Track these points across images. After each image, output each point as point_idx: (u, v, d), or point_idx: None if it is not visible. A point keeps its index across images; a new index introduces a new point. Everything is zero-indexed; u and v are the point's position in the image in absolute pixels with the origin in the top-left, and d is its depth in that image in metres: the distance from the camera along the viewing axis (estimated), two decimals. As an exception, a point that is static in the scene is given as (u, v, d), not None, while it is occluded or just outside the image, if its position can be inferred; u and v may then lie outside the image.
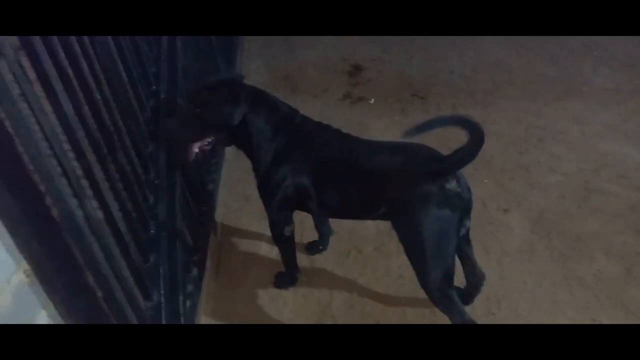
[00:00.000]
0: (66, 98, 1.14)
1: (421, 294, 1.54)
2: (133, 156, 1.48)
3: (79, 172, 1.15)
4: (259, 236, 2.08)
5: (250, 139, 1.55)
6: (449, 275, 1.48)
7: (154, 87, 1.76)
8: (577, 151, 2.30)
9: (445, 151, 1.44)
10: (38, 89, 1.03)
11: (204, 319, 1.78)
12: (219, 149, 1.95)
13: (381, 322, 1.75)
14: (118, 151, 1.37)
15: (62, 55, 1.14)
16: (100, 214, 1.20)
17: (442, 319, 1.56)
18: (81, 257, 1.12)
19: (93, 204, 1.18)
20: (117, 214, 1.30)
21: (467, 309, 1.55)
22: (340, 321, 1.77)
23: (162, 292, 1.46)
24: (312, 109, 1.64)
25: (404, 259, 1.53)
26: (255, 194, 1.72)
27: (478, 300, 1.72)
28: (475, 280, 1.69)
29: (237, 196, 2.26)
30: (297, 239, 1.82)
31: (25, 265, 0.98)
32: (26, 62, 1.00)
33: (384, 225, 1.56)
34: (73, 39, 1.22)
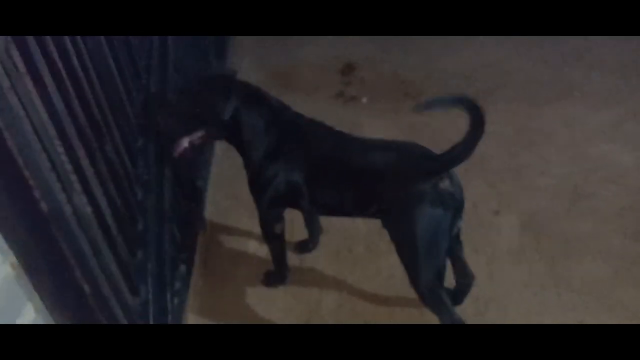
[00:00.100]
0: (56, 91, 1.15)
1: (411, 294, 1.57)
2: (122, 151, 1.49)
3: (68, 166, 1.16)
4: (248, 234, 2.09)
5: (241, 135, 1.56)
6: (439, 275, 1.51)
7: (144, 81, 1.77)
8: (568, 154, 2.34)
9: (437, 151, 1.46)
10: (28, 81, 1.03)
11: (191, 317, 1.79)
12: (210, 143, 1.96)
13: (370, 322, 1.78)
14: (107, 145, 1.38)
15: (52, 47, 1.15)
16: (88, 209, 1.21)
17: (431, 318, 1.58)
18: (69, 251, 1.13)
19: (82, 199, 1.20)
20: (106, 209, 1.31)
21: (456, 309, 1.58)
22: (330, 321, 1.80)
23: (150, 289, 1.47)
24: (304, 107, 1.66)
25: (394, 258, 1.55)
26: (244, 191, 1.73)
27: (467, 301, 1.75)
28: (465, 281, 1.72)
29: (226, 194, 2.27)
30: (287, 237, 1.84)
31: (12, 257, 0.99)
32: (16, 54, 1.01)
33: (375, 225, 1.58)
34: (64, 31, 1.23)
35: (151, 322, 1.45)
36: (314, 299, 1.87)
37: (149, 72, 1.79)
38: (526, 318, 1.73)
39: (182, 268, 1.74)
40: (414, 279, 1.52)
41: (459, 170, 1.45)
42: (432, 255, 1.47)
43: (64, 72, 1.20)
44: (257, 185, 1.63)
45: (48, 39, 1.15)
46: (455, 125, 1.37)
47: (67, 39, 1.25)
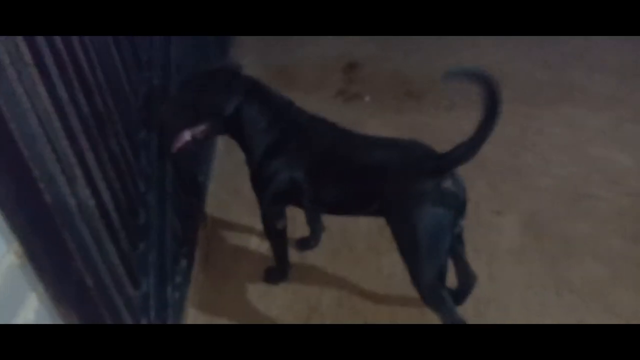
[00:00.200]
0: (61, 83, 1.15)
1: (412, 293, 1.58)
2: (125, 143, 1.49)
3: (73, 158, 1.17)
4: (249, 230, 2.10)
5: (243, 130, 1.57)
6: (441, 274, 1.52)
7: (147, 75, 1.77)
8: (568, 155, 2.36)
9: (438, 150, 1.47)
10: (35, 73, 1.04)
11: (191, 312, 1.80)
12: (212, 138, 1.96)
13: (370, 321, 1.78)
14: (110, 138, 1.39)
15: (58, 40, 1.16)
16: (92, 201, 1.22)
17: (432, 318, 1.59)
18: (72, 242, 1.14)
19: (85, 191, 1.20)
20: (108, 201, 1.32)
21: (457, 309, 1.59)
22: (330, 319, 1.81)
23: (151, 282, 1.48)
24: (305, 105, 1.66)
25: (395, 257, 1.56)
26: (246, 187, 1.74)
27: (467, 301, 1.76)
28: (466, 281, 1.73)
29: (227, 189, 2.28)
30: (288, 234, 1.85)
31: (16, 246, 1.00)
32: (23, 45, 1.02)
33: (376, 223, 1.59)
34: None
35: (152, 315, 1.45)
36: (314, 297, 1.88)
37: (152, 66, 1.80)
38: (526, 318, 1.74)
39: (183, 262, 1.75)
40: (416, 277, 1.52)
41: (460, 170, 1.45)
42: (433, 255, 1.48)
43: (69, 65, 1.21)
44: (259, 181, 1.64)
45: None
46: (457, 125, 1.38)
47: (73, 32, 1.26)
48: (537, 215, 2.11)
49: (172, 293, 1.59)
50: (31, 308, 1.07)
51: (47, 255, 1.08)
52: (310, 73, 3.02)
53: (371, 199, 1.50)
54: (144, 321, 1.44)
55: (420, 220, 1.42)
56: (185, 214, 1.85)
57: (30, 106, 1.00)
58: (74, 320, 1.16)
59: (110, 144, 1.38)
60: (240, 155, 1.70)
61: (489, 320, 1.75)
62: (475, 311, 1.76)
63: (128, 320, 1.34)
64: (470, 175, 1.49)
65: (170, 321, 1.58)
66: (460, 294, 1.75)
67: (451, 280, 1.67)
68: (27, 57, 1.02)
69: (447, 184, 1.41)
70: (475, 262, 1.82)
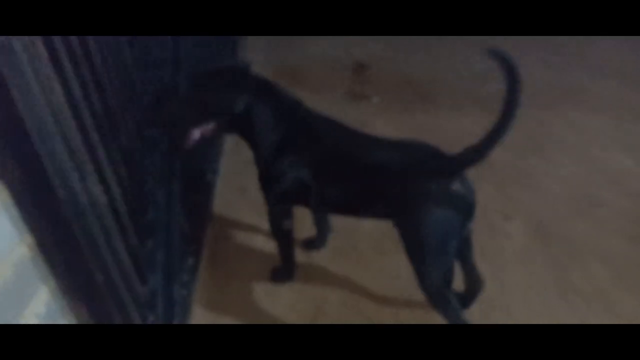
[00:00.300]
0: (75, 80, 1.18)
1: (417, 295, 1.59)
2: (135, 140, 1.52)
3: (85, 155, 1.19)
4: (255, 229, 2.12)
5: (252, 128, 1.58)
6: (448, 277, 1.53)
7: (157, 72, 1.80)
8: (574, 158, 2.38)
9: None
10: (50, 69, 1.07)
11: (197, 309, 1.82)
12: (221, 135, 1.98)
13: (375, 321, 1.80)
14: (121, 135, 1.42)
15: (73, 37, 1.19)
16: (103, 197, 1.25)
17: (436, 319, 1.60)
18: (82, 237, 1.16)
19: (96, 187, 1.23)
20: (118, 197, 1.34)
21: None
22: (335, 319, 1.82)
23: (159, 279, 1.50)
24: (313, 105, 1.68)
25: (401, 258, 1.57)
26: (253, 186, 1.76)
27: (474, 305, 1.77)
28: (473, 285, 1.74)
29: (234, 188, 2.31)
30: (294, 234, 1.86)
31: (29, 238, 1.03)
32: (40, 43, 1.05)
33: (382, 225, 1.60)
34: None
35: (159, 312, 1.48)
36: (319, 297, 1.90)
37: (162, 64, 1.83)
38: (531, 320, 1.76)
39: (190, 260, 1.78)
40: (422, 279, 1.53)
41: (468, 173, 1.47)
42: (440, 257, 1.49)
43: (83, 63, 1.24)
44: (267, 179, 1.65)
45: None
46: (465, 127, 1.40)
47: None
48: (545, 219, 2.12)
49: (179, 290, 1.62)
50: (42, 301, 1.10)
51: (59, 248, 1.11)
52: (319, 73, 3.04)
53: (379, 200, 1.51)
54: (151, 317, 1.47)
55: (428, 222, 1.43)
56: (192, 212, 1.87)
57: (46, 102, 1.03)
58: (83, 314, 1.19)
59: (121, 141, 1.41)
60: (247, 155, 1.72)
61: (493, 322, 1.76)
62: (480, 313, 1.78)
63: (135, 316, 1.36)
64: (477, 179, 1.50)
65: (176, 318, 1.61)
66: (468, 298, 1.76)
67: (458, 283, 1.69)
68: (44, 55, 1.05)
69: (456, 186, 1.42)
70: (482, 264, 1.83)
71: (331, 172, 1.55)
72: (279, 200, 1.67)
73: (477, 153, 1.35)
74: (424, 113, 2.71)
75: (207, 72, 1.61)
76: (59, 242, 1.11)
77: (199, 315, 1.83)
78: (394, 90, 2.88)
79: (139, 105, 1.61)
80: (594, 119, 2.59)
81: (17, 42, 0.95)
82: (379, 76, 3.00)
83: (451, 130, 2.42)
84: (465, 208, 1.45)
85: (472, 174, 1.46)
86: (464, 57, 3.02)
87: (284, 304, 1.88)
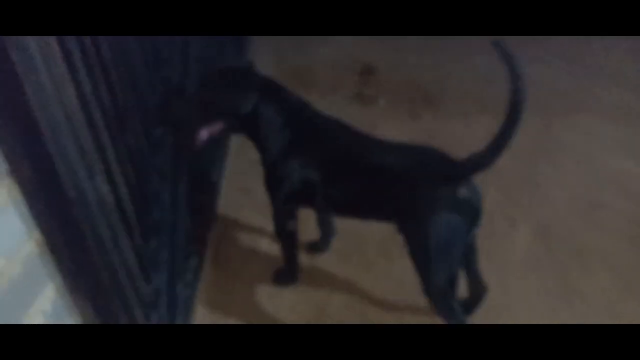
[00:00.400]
0: (87, 79, 1.21)
1: (420, 300, 1.61)
2: (142, 139, 1.55)
3: (94, 153, 1.22)
4: (259, 231, 2.15)
5: (259, 129, 1.60)
6: (452, 283, 1.54)
7: (165, 72, 1.83)
8: (584, 166, 2.39)
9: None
10: (63, 68, 1.09)
11: (200, 310, 1.85)
12: (228, 136, 2.01)
13: (378, 325, 1.82)
14: (129, 134, 1.44)
15: (86, 37, 1.22)
16: (110, 195, 1.28)
17: (439, 325, 1.63)
18: (89, 235, 1.18)
19: (104, 185, 1.26)
20: (125, 196, 1.37)
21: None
22: (337, 322, 1.84)
23: (162, 278, 1.53)
24: (320, 107, 1.70)
25: (406, 264, 1.59)
26: (257, 188, 1.79)
27: (478, 310, 1.79)
28: (477, 291, 1.76)
29: (239, 189, 2.33)
30: (299, 237, 1.89)
31: (37, 234, 1.06)
32: (54, 43, 1.07)
33: (388, 229, 1.63)
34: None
35: (162, 311, 1.50)
36: (322, 300, 1.92)
37: (170, 64, 1.86)
38: (536, 329, 1.78)
39: (194, 260, 1.80)
40: (426, 285, 1.55)
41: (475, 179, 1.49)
42: (445, 262, 1.50)
43: (95, 62, 1.26)
44: (273, 181, 1.67)
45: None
46: (472, 132, 1.41)
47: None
48: (550, 225, 2.14)
49: (182, 290, 1.64)
50: (48, 298, 1.13)
51: (66, 246, 1.13)
52: (326, 75, 3.06)
53: (385, 203, 1.53)
54: (154, 316, 1.49)
55: (434, 227, 1.45)
56: (197, 212, 1.90)
57: (59, 102, 1.05)
58: (88, 312, 1.21)
59: (129, 140, 1.44)
60: (252, 156, 1.74)
61: (498, 329, 1.78)
62: (484, 319, 1.79)
63: (139, 315, 1.39)
64: (484, 184, 1.52)
65: (179, 318, 1.63)
66: (471, 304, 1.77)
67: (461, 289, 1.71)
68: (58, 55, 1.07)
69: (463, 191, 1.43)
70: (488, 271, 1.85)
71: (338, 173, 1.57)
72: (285, 202, 1.70)
73: (484, 158, 1.37)
74: (431, 117, 2.73)
75: (214, 73, 1.64)
76: (67, 240, 1.13)
77: (202, 316, 1.85)
78: (401, 94, 2.90)
79: (147, 105, 1.64)
80: (601, 124, 2.60)
81: (33, 42, 0.98)
82: (386, 79, 3.02)
83: (459, 134, 2.44)
84: (472, 213, 1.47)
85: (478, 179, 1.47)
86: (472, 61, 3.03)
87: (287, 306, 1.91)
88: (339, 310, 1.89)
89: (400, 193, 1.48)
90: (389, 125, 2.63)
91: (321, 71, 3.10)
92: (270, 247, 2.08)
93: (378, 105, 2.84)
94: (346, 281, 1.97)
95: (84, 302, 1.19)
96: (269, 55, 3.22)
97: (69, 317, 1.19)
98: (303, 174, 1.59)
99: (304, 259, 2.01)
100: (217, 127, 1.62)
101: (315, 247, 2.06)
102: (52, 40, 1.06)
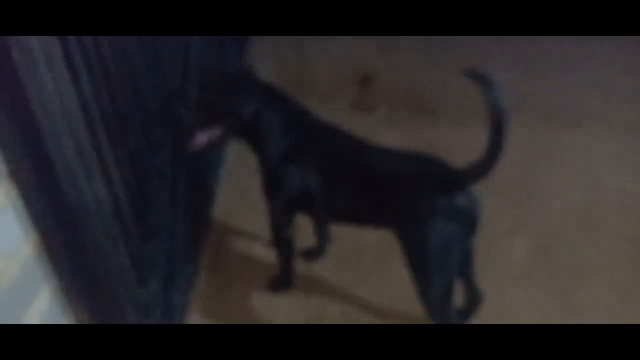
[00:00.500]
0: (87, 81, 1.22)
1: (417, 310, 1.62)
2: (142, 143, 1.56)
3: (93, 156, 1.23)
4: (255, 237, 2.15)
5: (259, 135, 1.61)
6: (448, 291, 1.56)
7: (166, 75, 1.84)
8: (581, 180, 2.41)
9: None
10: (64, 70, 1.11)
11: (195, 316, 1.85)
12: (228, 140, 2.02)
13: (373, 335, 1.82)
14: (129, 137, 1.46)
15: (88, 39, 1.23)
16: (108, 198, 1.28)
17: (435, 335, 1.63)
18: (87, 238, 1.20)
19: (103, 188, 1.27)
20: (124, 199, 1.38)
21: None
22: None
23: (158, 283, 1.53)
24: (319, 114, 1.72)
25: (402, 273, 1.60)
26: (255, 194, 1.79)
27: (474, 320, 1.80)
28: (473, 300, 1.77)
29: (235, 195, 2.33)
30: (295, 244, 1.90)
31: (35, 237, 1.06)
32: (56, 44, 1.09)
33: (385, 238, 1.64)
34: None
35: (157, 316, 1.51)
36: (318, 307, 1.92)
37: (172, 67, 1.87)
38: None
39: (190, 266, 1.81)
40: (423, 292, 1.56)
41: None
42: (442, 271, 1.52)
43: (95, 63, 1.28)
44: (271, 187, 1.68)
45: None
46: (471, 142, 1.43)
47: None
48: (548, 238, 2.15)
49: (177, 295, 1.65)
50: (44, 300, 1.13)
51: (63, 249, 1.14)
52: (326, 84, 3.08)
53: (383, 211, 1.54)
54: (149, 321, 1.49)
55: (432, 235, 1.46)
56: (194, 218, 1.90)
57: (59, 103, 1.06)
58: (84, 314, 1.22)
59: (129, 142, 1.45)
60: (249, 162, 1.75)
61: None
62: (481, 330, 1.80)
63: (134, 318, 1.39)
64: (482, 195, 1.54)
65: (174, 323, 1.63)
66: (467, 312, 1.78)
67: (458, 298, 1.71)
68: (60, 56, 1.09)
69: (462, 200, 1.45)
70: (484, 282, 1.86)
71: (338, 180, 1.58)
72: (283, 208, 1.71)
73: (482, 167, 1.39)
74: (430, 126, 2.74)
75: (216, 77, 1.65)
76: (65, 242, 1.14)
77: (196, 321, 1.85)
78: (400, 103, 2.92)
79: (147, 107, 1.65)
80: (600, 138, 2.62)
81: (36, 43, 0.99)
82: (385, 88, 3.04)
83: (457, 143, 2.45)
84: (470, 222, 1.48)
85: (479, 191, 1.49)
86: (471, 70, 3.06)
87: (282, 314, 1.91)
88: (335, 319, 1.89)
89: (398, 200, 1.50)
90: (388, 134, 2.65)
91: (320, 80, 3.12)
92: (266, 253, 2.09)
93: (377, 113, 2.86)
94: (342, 289, 1.98)
95: (80, 305, 1.20)
96: (269, 62, 3.24)
97: (65, 320, 1.19)
98: (302, 181, 1.60)
99: (300, 266, 2.01)
100: (217, 131, 1.63)
101: (312, 255, 2.06)
102: (54, 41, 1.07)
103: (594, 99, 2.89)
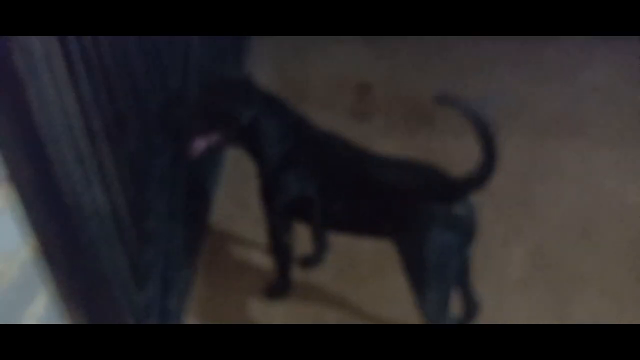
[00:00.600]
0: (87, 84, 1.23)
1: (414, 318, 1.62)
2: (141, 147, 1.57)
3: (92, 159, 1.23)
4: (252, 243, 2.16)
5: (257, 141, 1.63)
6: (446, 299, 1.57)
7: (166, 80, 1.85)
8: (579, 187, 2.42)
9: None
10: (64, 72, 1.11)
11: (191, 321, 1.85)
12: (226, 146, 2.03)
13: (370, 342, 1.83)
14: (128, 141, 1.46)
15: (88, 40, 1.24)
16: (107, 203, 1.29)
17: (432, 342, 1.63)
18: (84, 242, 1.20)
19: (101, 192, 1.27)
20: (121, 203, 1.38)
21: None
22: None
23: (155, 287, 1.53)
24: (317, 122, 1.73)
25: (399, 281, 1.61)
26: (252, 200, 1.80)
27: (470, 328, 1.81)
28: (470, 308, 1.78)
29: (232, 201, 2.34)
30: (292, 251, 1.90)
31: (32, 240, 1.06)
32: (56, 45, 1.09)
33: (382, 246, 1.64)
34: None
35: (154, 320, 1.51)
36: (315, 315, 1.92)
37: (171, 72, 1.88)
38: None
39: (187, 271, 1.81)
40: (420, 301, 1.57)
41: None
42: (440, 279, 1.53)
43: (96, 66, 1.28)
44: (269, 193, 1.69)
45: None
46: (468, 151, 1.44)
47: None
48: (544, 247, 2.16)
49: (174, 301, 1.65)
50: (41, 303, 1.13)
51: (61, 251, 1.15)
52: (323, 91, 3.10)
53: (381, 218, 1.55)
54: (145, 326, 1.49)
55: (429, 244, 1.47)
56: (191, 223, 1.91)
57: (59, 106, 1.07)
58: (81, 317, 1.22)
59: (128, 147, 1.46)
60: (247, 168, 1.76)
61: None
62: (477, 339, 1.81)
63: (130, 322, 1.39)
64: (479, 204, 1.55)
65: (170, 329, 1.63)
66: (463, 321, 1.79)
67: (455, 306, 1.72)
68: (60, 58, 1.10)
69: (459, 209, 1.46)
70: (481, 289, 1.87)
71: (335, 188, 1.59)
72: (280, 215, 1.71)
73: (480, 176, 1.40)
74: (427, 135, 2.76)
75: (215, 83, 1.67)
76: (62, 245, 1.15)
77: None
78: (397, 111, 2.93)
79: (147, 113, 1.65)
80: (596, 146, 2.64)
81: (37, 44, 1.00)
82: (383, 96, 3.06)
83: (455, 152, 2.47)
84: (467, 231, 1.50)
85: (475, 200, 1.50)
86: (468, 79, 3.08)
87: (279, 320, 1.91)
88: (331, 326, 1.89)
89: (396, 209, 1.51)
90: (386, 141, 2.66)
91: (318, 87, 3.14)
92: (262, 260, 2.09)
93: (374, 121, 2.88)
94: (339, 296, 1.98)
95: (77, 309, 1.20)
96: (267, 68, 3.26)
97: (61, 322, 1.19)
98: (299, 187, 1.62)
99: (296, 273, 2.02)
100: (215, 137, 1.64)
101: (309, 262, 2.07)
102: (54, 43, 1.08)
103: (592, 107, 2.91)
